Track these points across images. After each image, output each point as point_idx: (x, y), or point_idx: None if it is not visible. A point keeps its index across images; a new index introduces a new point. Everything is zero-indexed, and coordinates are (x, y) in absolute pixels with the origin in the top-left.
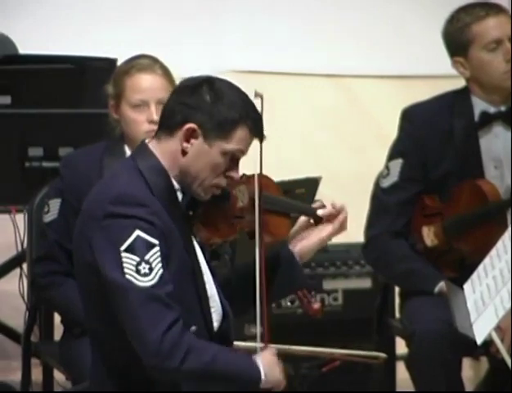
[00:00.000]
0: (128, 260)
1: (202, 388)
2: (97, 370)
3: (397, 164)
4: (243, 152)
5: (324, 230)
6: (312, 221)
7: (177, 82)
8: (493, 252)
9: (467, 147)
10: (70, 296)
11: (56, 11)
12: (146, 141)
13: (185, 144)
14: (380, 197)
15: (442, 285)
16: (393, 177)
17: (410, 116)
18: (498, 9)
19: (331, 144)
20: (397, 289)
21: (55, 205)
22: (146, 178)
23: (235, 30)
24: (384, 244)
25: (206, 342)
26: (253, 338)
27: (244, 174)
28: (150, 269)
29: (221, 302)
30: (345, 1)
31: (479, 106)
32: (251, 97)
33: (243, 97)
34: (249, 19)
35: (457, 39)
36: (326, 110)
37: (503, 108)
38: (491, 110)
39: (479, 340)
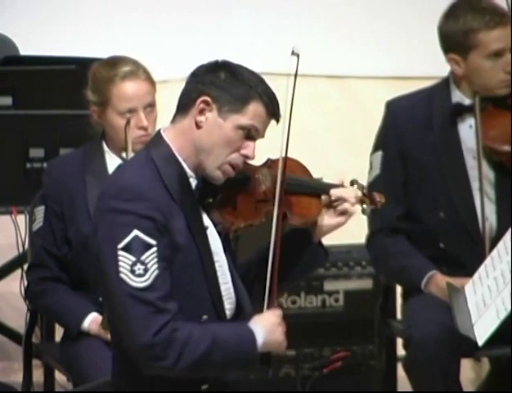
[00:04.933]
0: (124, 259)
1: (204, 374)
2: (114, 368)
3: (378, 156)
4: (258, 130)
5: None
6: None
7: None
8: (494, 253)
9: (446, 137)
10: (63, 303)
11: (57, 11)
12: (161, 129)
13: (199, 117)
14: None
15: (429, 277)
16: (376, 170)
17: (390, 107)
18: (506, 18)
19: (333, 145)
20: (398, 290)
21: (40, 213)
22: (157, 166)
23: (238, 32)
24: (380, 242)
25: (203, 327)
26: None
27: (269, 159)
28: (145, 270)
29: (236, 292)
30: (348, 3)
31: (457, 97)
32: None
33: (258, 76)
34: (252, 20)
35: (459, 40)
36: (328, 111)
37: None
38: (466, 101)
39: (480, 341)
